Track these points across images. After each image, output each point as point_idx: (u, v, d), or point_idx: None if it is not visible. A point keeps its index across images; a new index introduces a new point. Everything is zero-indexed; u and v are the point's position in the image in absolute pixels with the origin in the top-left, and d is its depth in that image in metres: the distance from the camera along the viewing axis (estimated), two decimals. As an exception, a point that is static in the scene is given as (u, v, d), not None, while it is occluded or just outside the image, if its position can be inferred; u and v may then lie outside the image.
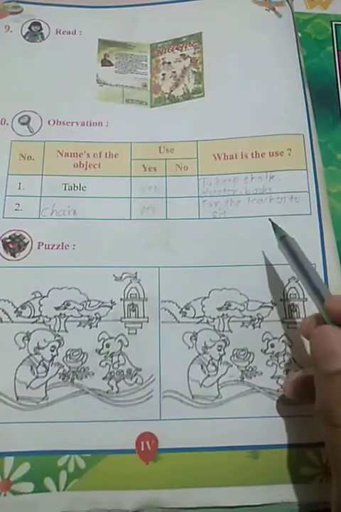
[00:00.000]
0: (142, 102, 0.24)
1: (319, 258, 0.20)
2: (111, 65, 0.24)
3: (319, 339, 0.15)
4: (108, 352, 0.19)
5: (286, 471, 0.17)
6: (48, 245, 0.21)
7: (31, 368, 0.19)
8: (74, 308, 0.20)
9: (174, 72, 0.24)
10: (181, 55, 0.25)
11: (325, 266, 0.20)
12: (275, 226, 0.19)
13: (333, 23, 0.28)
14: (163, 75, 0.24)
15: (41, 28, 0.25)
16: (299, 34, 0.26)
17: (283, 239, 0.18)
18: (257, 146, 0.22)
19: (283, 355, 0.19)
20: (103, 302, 0.20)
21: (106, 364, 0.19)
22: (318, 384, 0.15)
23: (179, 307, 0.20)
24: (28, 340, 0.19)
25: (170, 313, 0.20)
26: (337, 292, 0.20)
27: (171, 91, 0.24)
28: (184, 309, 0.20)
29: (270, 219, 0.20)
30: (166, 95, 0.24)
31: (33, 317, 0.19)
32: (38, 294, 0.20)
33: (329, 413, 0.14)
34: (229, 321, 0.20)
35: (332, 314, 0.16)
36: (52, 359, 0.19)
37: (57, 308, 0.20)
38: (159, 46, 0.25)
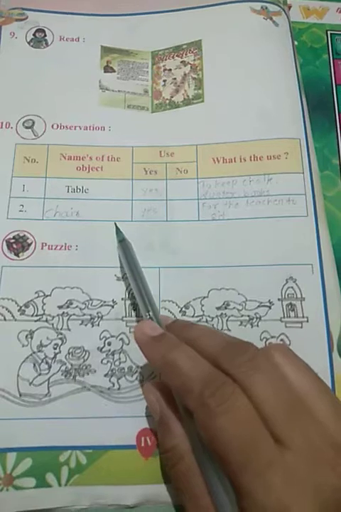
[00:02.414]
0: (143, 108, 0.24)
1: (315, 259, 0.21)
2: (114, 71, 0.25)
3: (144, 395, 0.17)
4: (109, 350, 0.19)
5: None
6: (51, 246, 0.21)
7: (34, 365, 0.19)
8: (76, 307, 0.20)
9: (174, 78, 0.25)
10: (181, 62, 0.25)
11: (322, 267, 0.21)
12: (117, 229, 0.20)
13: (328, 32, 0.28)
14: (164, 81, 0.25)
15: (45, 35, 0.26)
16: (295, 42, 0.26)
17: (122, 242, 0.20)
18: (255, 150, 0.23)
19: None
20: (105, 301, 0.20)
21: (108, 362, 0.19)
22: None
23: (179, 306, 0.20)
24: (31, 338, 0.19)
25: (170, 312, 0.20)
26: (332, 291, 0.20)
27: (172, 97, 0.24)
28: (184, 308, 0.20)
29: (115, 223, 0.20)
30: (167, 101, 0.24)
31: (36, 315, 0.20)
32: (41, 293, 0.20)
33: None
34: (227, 320, 0.20)
35: (135, 339, 0.17)
36: (54, 356, 0.19)
37: (60, 307, 0.20)
38: (160, 53, 0.26)
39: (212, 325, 0.20)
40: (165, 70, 0.25)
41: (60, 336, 0.20)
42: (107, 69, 0.25)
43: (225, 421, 0.13)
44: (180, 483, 0.15)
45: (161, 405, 0.16)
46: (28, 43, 0.25)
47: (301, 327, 0.20)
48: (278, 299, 0.20)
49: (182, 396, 0.15)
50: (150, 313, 0.18)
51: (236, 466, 0.13)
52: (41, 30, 0.26)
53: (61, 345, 0.19)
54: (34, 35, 0.26)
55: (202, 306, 0.20)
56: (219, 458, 0.13)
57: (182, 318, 0.20)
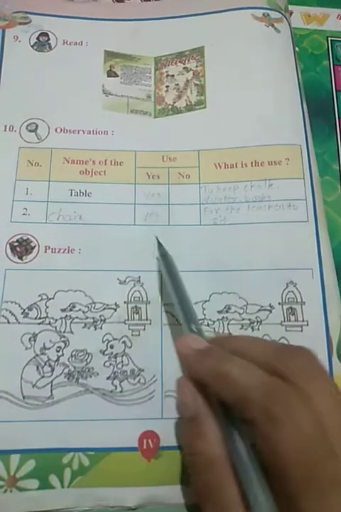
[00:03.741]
0: (146, 113, 0.24)
1: (315, 263, 0.21)
2: (117, 76, 0.25)
3: (177, 389, 0.17)
4: (112, 353, 0.20)
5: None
6: (55, 249, 0.21)
7: (37, 368, 0.19)
8: (79, 310, 0.20)
9: (177, 84, 0.25)
10: (184, 68, 0.25)
11: (322, 271, 0.21)
12: (159, 244, 0.20)
13: (329, 38, 0.29)
14: (167, 87, 0.25)
15: (49, 39, 0.26)
16: (296, 49, 0.27)
17: (164, 257, 0.19)
18: (256, 155, 0.23)
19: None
20: (107, 305, 0.20)
21: (110, 364, 0.19)
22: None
23: (181, 310, 0.20)
24: (35, 340, 0.20)
25: (172, 315, 0.20)
26: (332, 295, 0.21)
27: (174, 102, 0.25)
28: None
29: (156, 237, 0.20)
30: (169, 106, 0.25)
31: (40, 318, 0.20)
32: (44, 296, 0.20)
33: (184, 456, 0.16)
34: (228, 323, 0.20)
35: (177, 354, 0.17)
36: (57, 359, 0.19)
37: (63, 310, 0.20)
38: (163, 59, 0.26)
39: (213, 329, 0.20)
40: (167, 75, 0.25)
41: (62, 339, 0.20)
42: (110, 73, 0.25)
43: (290, 434, 0.12)
44: (207, 491, 0.14)
45: (197, 404, 0.15)
46: (32, 46, 0.25)
47: (301, 331, 0.20)
48: (279, 303, 0.21)
49: (241, 406, 0.14)
50: (194, 327, 0.17)
51: (298, 482, 0.12)
52: (45, 34, 0.26)
53: (64, 348, 0.20)
54: (38, 38, 0.26)
55: (204, 309, 0.20)
56: (279, 471, 0.12)
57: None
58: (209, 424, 0.15)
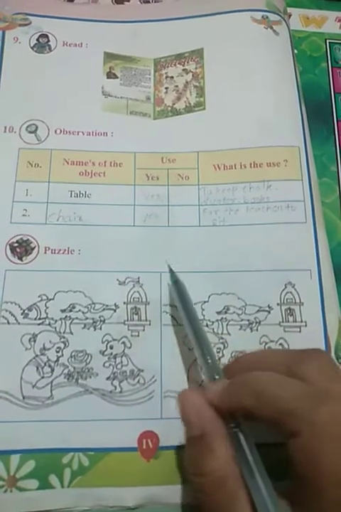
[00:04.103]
0: (146, 114, 0.25)
1: (314, 264, 0.21)
2: (116, 77, 0.25)
3: (179, 405, 0.16)
4: (111, 353, 0.20)
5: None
6: (54, 250, 0.21)
7: (37, 369, 0.19)
8: (79, 310, 0.20)
9: (176, 86, 0.25)
10: (183, 69, 0.26)
11: (320, 272, 0.21)
12: (171, 271, 0.20)
13: (327, 41, 0.29)
14: (166, 88, 0.25)
15: (49, 40, 0.26)
16: (295, 51, 0.27)
17: (176, 283, 0.19)
18: (255, 157, 0.23)
19: (280, 357, 0.20)
20: (107, 305, 0.20)
21: (110, 365, 0.19)
22: (185, 447, 0.15)
23: (180, 311, 0.21)
24: (34, 341, 0.20)
25: (171, 316, 0.20)
26: (330, 296, 0.21)
27: (173, 104, 0.25)
28: (184, 313, 0.21)
29: (168, 264, 0.20)
30: (169, 108, 0.25)
31: (39, 319, 0.20)
32: (44, 297, 0.20)
33: (189, 477, 0.15)
34: (227, 324, 0.20)
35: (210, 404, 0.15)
36: (57, 360, 0.19)
37: (62, 311, 0.20)
38: (162, 61, 0.26)
39: (212, 329, 0.20)
40: (167, 77, 0.25)
41: (62, 340, 0.20)
42: (110, 75, 0.25)
43: (335, 452, 0.12)
44: (218, 510, 0.14)
45: (203, 420, 0.14)
46: (32, 48, 0.26)
47: (300, 331, 0.20)
48: (277, 304, 0.21)
49: (281, 421, 0.13)
50: (209, 360, 0.17)
51: (333, 502, 0.12)
52: (44, 36, 0.26)
53: (64, 348, 0.20)
54: (37, 40, 0.26)
55: (203, 310, 0.21)
56: (316, 487, 0.12)
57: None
58: (220, 441, 0.14)
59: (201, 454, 0.14)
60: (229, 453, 0.14)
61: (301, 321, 0.20)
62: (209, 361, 0.17)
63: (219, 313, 0.20)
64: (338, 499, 0.12)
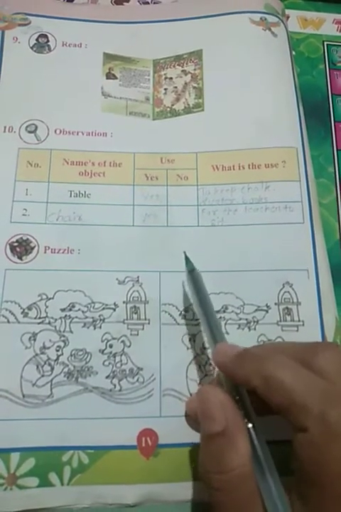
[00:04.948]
0: (145, 115, 0.25)
1: (311, 264, 0.22)
2: (116, 78, 0.26)
3: (200, 400, 0.15)
4: (111, 352, 0.20)
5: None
6: (54, 249, 0.21)
7: (37, 367, 0.19)
8: (79, 310, 0.20)
9: (175, 87, 0.25)
10: (182, 71, 0.26)
11: (317, 271, 0.21)
12: (187, 259, 0.19)
13: (325, 42, 0.29)
14: (165, 89, 0.25)
15: (48, 40, 0.26)
16: (293, 52, 0.27)
17: (192, 272, 0.19)
18: (253, 158, 0.23)
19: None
20: (106, 304, 0.21)
21: (109, 363, 0.20)
22: (201, 445, 0.15)
23: (178, 310, 0.21)
24: (34, 340, 0.20)
25: (170, 315, 0.21)
26: (327, 296, 0.21)
27: (172, 105, 0.25)
28: (183, 312, 0.21)
29: (184, 252, 0.20)
30: (168, 109, 0.25)
31: (39, 318, 0.20)
32: (44, 296, 0.20)
33: (207, 475, 0.14)
34: (225, 323, 0.21)
35: (216, 364, 0.16)
36: (57, 358, 0.19)
37: (62, 310, 0.20)
38: (161, 62, 0.26)
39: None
40: (166, 78, 0.26)
41: (62, 339, 0.20)
42: (109, 76, 0.26)
43: None
44: (239, 508, 0.13)
45: (228, 414, 0.14)
46: (31, 48, 0.26)
47: (297, 330, 0.21)
48: (275, 303, 0.21)
49: (291, 412, 0.13)
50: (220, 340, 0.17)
51: (336, 498, 0.12)
52: (44, 36, 0.26)
53: (64, 347, 0.20)
54: (37, 40, 0.26)
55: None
56: (322, 484, 0.12)
57: (181, 321, 0.20)
58: (241, 436, 0.14)
59: (225, 450, 0.14)
60: (250, 450, 0.14)
61: (299, 321, 0.21)
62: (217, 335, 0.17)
63: (217, 312, 0.21)
64: (338, 498, 0.12)
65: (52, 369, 0.19)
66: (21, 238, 0.21)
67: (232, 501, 0.14)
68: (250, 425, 0.14)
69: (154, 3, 0.28)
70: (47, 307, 0.20)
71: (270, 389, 0.14)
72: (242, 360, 0.15)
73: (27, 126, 0.24)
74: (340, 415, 0.13)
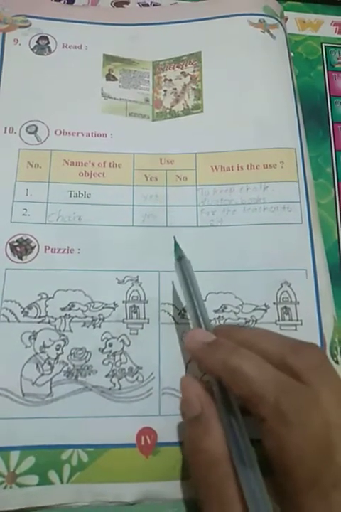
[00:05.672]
0: (144, 116, 0.25)
1: (309, 264, 0.22)
2: (116, 79, 0.26)
3: (181, 388, 0.17)
4: (110, 351, 0.20)
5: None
6: (54, 249, 0.21)
7: (37, 366, 0.19)
8: (78, 309, 0.20)
9: (175, 88, 0.26)
10: (182, 72, 0.26)
11: (315, 271, 0.22)
12: (176, 245, 0.19)
13: (323, 44, 0.29)
14: (165, 91, 0.26)
15: (48, 42, 0.26)
16: (292, 54, 0.27)
17: (180, 260, 0.19)
18: (252, 159, 0.23)
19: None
20: (106, 304, 0.21)
21: (109, 362, 0.20)
22: (184, 429, 0.16)
23: (178, 309, 0.21)
24: (34, 339, 0.20)
25: (170, 315, 0.21)
26: (325, 295, 0.21)
27: (172, 106, 0.25)
28: (182, 311, 0.21)
29: (174, 237, 0.20)
30: (167, 110, 0.25)
31: (39, 317, 0.20)
32: (44, 296, 0.21)
33: (187, 456, 0.16)
34: (225, 322, 0.21)
35: (186, 349, 0.17)
36: (57, 357, 0.20)
37: (62, 309, 0.20)
38: (161, 64, 0.26)
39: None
40: (165, 80, 0.26)
41: (62, 338, 0.20)
42: (109, 77, 0.26)
43: (300, 434, 0.13)
44: (209, 488, 0.14)
45: (203, 402, 0.15)
46: (32, 49, 0.26)
47: (295, 330, 0.21)
48: (274, 303, 0.21)
49: (252, 403, 0.14)
50: (202, 323, 0.17)
51: (303, 483, 0.12)
52: (44, 38, 0.26)
53: (63, 346, 0.20)
54: (37, 42, 0.26)
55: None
56: (286, 471, 0.13)
57: (180, 320, 0.21)
58: (215, 422, 0.15)
59: (199, 434, 0.15)
60: (223, 435, 0.15)
61: (297, 320, 0.21)
62: (202, 322, 0.17)
63: (216, 311, 0.21)
64: (307, 477, 0.13)
65: (52, 368, 0.19)
66: (21, 238, 0.22)
67: (205, 481, 0.15)
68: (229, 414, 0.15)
69: (154, 5, 0.28)
70: (47, 306, 0.20)
71: (234, 380, 0.14)
72: (211, 350, 0.16)
73: (27, 127, 0.24)
74: (291, 402, 0.13)
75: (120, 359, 0.20)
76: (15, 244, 0.21)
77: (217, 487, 0.14)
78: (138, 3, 0.28)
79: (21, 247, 0.21)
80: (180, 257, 0.19)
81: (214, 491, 0.14)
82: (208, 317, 0.18)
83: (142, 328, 0.20)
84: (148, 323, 0.20)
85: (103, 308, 0.21)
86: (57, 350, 0.20)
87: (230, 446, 0.15)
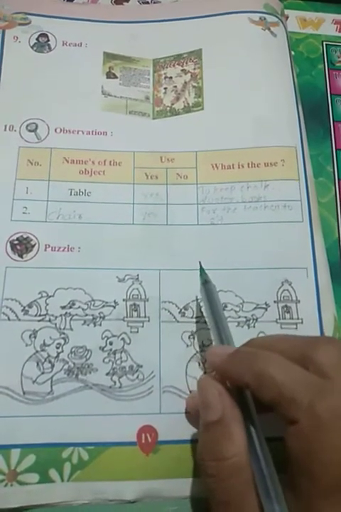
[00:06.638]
0: (145, 114, 0.25)
1: (310, 262, 0.22)
2: (116, 77, 0.26)
3: (199, 389, 0.16)
4: (111, 349, 0.20)
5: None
6: (55, 247, 0.21)
7: (37, 364, 0.19)
8: (79, 307, 0.20)
9: (175, 86, 0.26)
10: (182, 70, 0.26)
11: (316, 270, 0.22)
12: (202, 269, 0.19)
13: (324, 43, 0.29)
14: (165, 88, 0.26)
15: (48, 40, 0.26)
16: (292, 52, 0.27)
17: (205, 284, 0.19)
18: (253, 157, 0.23)
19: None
20: (106, 302, 0.21)
21: (109, 361, 0.20)
22: (199, 433, 0.16)
23: (178, 307, 0.21)
24: (35, 337, 0.20)
25: (170, 313, 0.21)
26: (326, 294, 0.21)
27: (172, 104, 0.25)
28: (183, 310, 0.21)
29: (199, 262, 0.20)
30: (168, 108, 0.25)
31: (40, 316, 0.20)
32: (44, 294, 0.21)
33: (203, 462, 0.15)
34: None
35: (210, 365, 0.16)
36: (57, 356, 0.20)
37: (62, 308, 0.20)
38: (161, 61, 0.26)
39: (211, 326, 0.21)
40: (166, 77, 0.26)
41: (62, 336, 0.20)
42: (110, 75, 0.26)
43: (334, 439, 0.12)
44: (229, 497, 0.14)
45: (225, 404, 0.15)
46: (31, 47, 0.26)
47: (296, 328, 0.21)
48: (274, 301, 0.21)
49: (282, 405, 0.13)
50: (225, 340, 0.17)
51: (328, 488, 0.12)
52: (44, 35, 0.26)
53: (64, 344, 0.20)
54: (37, 39, 0.26)
55: (201, 307, 0.21)
56: (311, 474, 0.12)
57: (181, 319, 0.21)
58: (237, 426, 0.14)
59: (219, 439, 0.14)
60: (245, 440, 0.14)
61: (297, 318, 0.21)
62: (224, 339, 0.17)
63: (216, 310, 0.21)
64: (332, 482, 0.12)
65: (53, 366, 0.19)
66: (22, 236, 0.22)
67: (225, 489, 0.14)
68: (247, 417, 0.15)
69: (154, 2, 0.28)
70: (47, 305, 0.20)
71: (261, 385, 0.14)
72: (234, 359, 0.15)
73: (27, 125, 0.24)
74: (329, 406, 0.13)
75: (120, 357, 0.20)
76: (16, 242, 0.21)
77: (239, 495, 0.14)
78: (138, 1, 0.28)
79: (21, 246, 0.21)
80: (205, 281, 0.19)
81: (234, 500, 0.14)
82: (233, 341, 0.17)
83: (142, 326, 0.20)
84: (148, 321, 0.20)
85: (103, 306, 0.21)
86: (58, 348, 0.20)
87: (253, 469, 0.14)
